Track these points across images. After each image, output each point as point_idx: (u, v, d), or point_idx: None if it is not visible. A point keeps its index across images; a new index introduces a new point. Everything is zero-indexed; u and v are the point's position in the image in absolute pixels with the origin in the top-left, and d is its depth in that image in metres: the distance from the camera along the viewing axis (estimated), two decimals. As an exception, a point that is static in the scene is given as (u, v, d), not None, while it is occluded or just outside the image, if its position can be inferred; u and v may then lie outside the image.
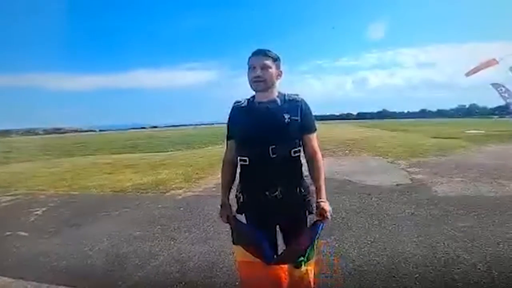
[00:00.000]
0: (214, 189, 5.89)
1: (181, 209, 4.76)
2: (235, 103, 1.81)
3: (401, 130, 24.06)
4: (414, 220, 3.81)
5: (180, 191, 5.98)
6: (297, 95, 1.78)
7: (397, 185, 5.62)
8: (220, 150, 12.46)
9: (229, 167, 1.90)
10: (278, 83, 1.76)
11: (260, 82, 1.68)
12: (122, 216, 4.59)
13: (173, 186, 6.39)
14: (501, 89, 17.98)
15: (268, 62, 1.69)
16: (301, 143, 1.74)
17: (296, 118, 1.69)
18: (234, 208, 1.87)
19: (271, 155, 1.64)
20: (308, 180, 1.78)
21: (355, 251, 3.04)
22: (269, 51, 1.71)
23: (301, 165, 1.76)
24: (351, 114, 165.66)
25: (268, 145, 1.64)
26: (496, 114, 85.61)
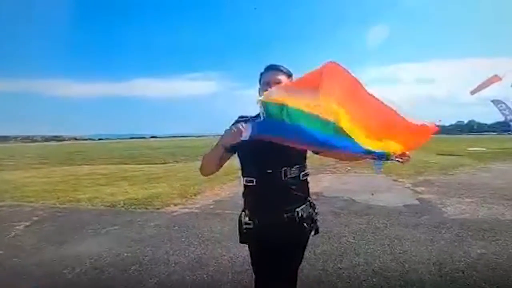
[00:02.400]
0: (212, 206, 5.58)
1: (175, 228, 4.44)
2: (240, 117, 1.62)
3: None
4: (426, 245, 3.52)
5: (176, 207, 5.65)
6: None
7: (404, 206, 5.33)
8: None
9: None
10: None
11: None
12: (111, 235, 4.26)
13: (168, 201, 6.06)
14: (501, 106, 17.80)
15: (283, 78, 1.60)
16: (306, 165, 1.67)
17: None
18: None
19: (283, 177, 1.55)
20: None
21: (368, 278, 2.80)
22: (283, 66, 1.63)
23: (308, 185, 1.72)
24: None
25: (281, 166, 1.55)
26: (495, 131, 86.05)
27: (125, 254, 3.53)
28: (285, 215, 1.57)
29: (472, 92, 19.22)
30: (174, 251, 3.59)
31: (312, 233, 1.70)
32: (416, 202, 5.61)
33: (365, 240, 3.73)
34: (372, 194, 6.23)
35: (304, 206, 1.63)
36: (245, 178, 1.62)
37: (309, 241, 1.71)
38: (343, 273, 2.91)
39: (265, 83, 1.59)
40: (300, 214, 1.60)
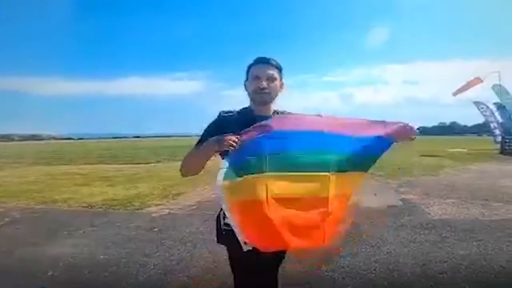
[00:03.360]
0: (194, 207, 5.44)
1: (155, 229, 4.28)
2: (222, 112, 1.57)
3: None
4: (410, 246, 3.51)
5: (156, 208, 5.48)
6: (288, 113, 1.63)
7: (389, 206, 5.34)
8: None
9: None
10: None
11: (266, 94, 1.52)
12: (87, 236, 4.06)
13: (149, 202, 5.89)
14: (482, 107, 18.44)
15: (274, 72, 1.54)
16: None
17: None
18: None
19: None
20: None
21: (352, 281, 2.74)
22: (273, 59, 1.55)
23: None
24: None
25: None
26: (475, 132, 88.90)
27: (102, 256, 3.37)
28: None
29: (454, 94, 19.79)
30: (153, 252, 3.44)
31: None
32: (400, 203, 5.63)
33: (349, 242, 3.67)
34: (375, 194, 6.21)
35: None
36: None
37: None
38: (327, 275, 2.84)
39: (255, 77, 1.52)
40: None
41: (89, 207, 5.64)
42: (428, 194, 6.24)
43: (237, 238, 1.41)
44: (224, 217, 1.48)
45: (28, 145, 45.41)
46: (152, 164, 13.78)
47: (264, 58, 1.54)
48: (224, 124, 1.49)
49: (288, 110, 1.65)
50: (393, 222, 4.41)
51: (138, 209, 5.42)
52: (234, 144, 1.34)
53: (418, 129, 1.61)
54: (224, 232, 1.49)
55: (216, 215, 1.57)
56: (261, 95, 1.52)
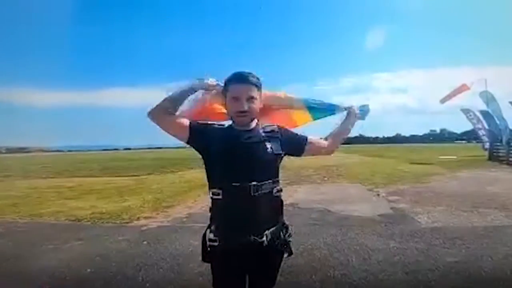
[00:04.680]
0: (184, 219, 5.38)
1: (144, 242, 4.20)
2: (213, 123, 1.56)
3: (378, 156, 24.56)
4: (400, 255, 3.50)
5: (146, 221, 5.40)
6: (273, 125, 1.58)
7: (379, 215, 5.35)
8: (193, 175, 11.92)
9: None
10: None
11: (246, 116, 1.45)
12: (73, 250, 3.97)
13: (139, 215, 5.79)
14: (470, 115, 18.73)
15: (254, 92, 1.45)
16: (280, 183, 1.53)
17: (279, 152, 1.50)
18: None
19: (252, 193, 1.38)
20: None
21: None
22: (252, 76, 1.46)
23: (282, 203, 1.56)
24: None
25: (250, 180, 1.38)
26: (464, 139, 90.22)
27: (89, 270, 3.29)
28: (252, 237, 1.40)
29: (442, 101, 20.01)
30: (142, 266, 3.36)
31: (285, 255, 1.56)
32: (390, 211, 5.65)
33: (340, 251, 3.66)
34: (378, 194, 6.22)
35: (274, 228, 1.47)
36: (211, 190, 1.45)
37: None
38: (317, 286, 2.82)
39: (234, 99, 1.43)
40: (270, 237, 1.44)
41: (77, 220, 5.53)
42: (418, 202, 6.28)
43: (220, 256, 1.41)
44: (210, 234, 1.45)
45: (16, 158, 44.49)
46: (143, 177, 13.63)
47: (243, 76, 1.44)
48: (213, 128, 1.50)
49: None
50: (384, 231, 4.42)
51: (127, 222, 5.33)
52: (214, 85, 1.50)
53: (362, 109, 1.82)
54: (209, 249, 1.46)
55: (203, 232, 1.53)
56: (242, 118, 1.44)
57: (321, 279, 2.93)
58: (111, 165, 21.84)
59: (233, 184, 1.38)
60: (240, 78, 1.44)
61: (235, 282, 1.45)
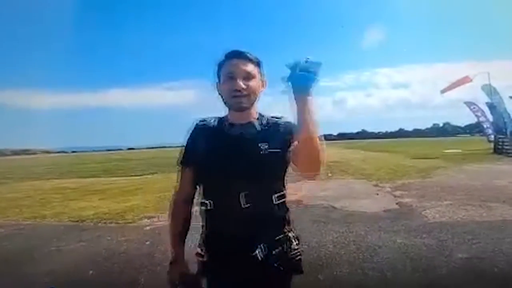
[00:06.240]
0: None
1: (147, 243, 4.15)
2: (199, 121, 1.30)
3: (381, 151, 24.39)
4: (408, 251, 3.42)
5: (149, 221, 5.35)
6: (281, 117, 1.30)
7: (385, 210, 5.27)
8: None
9: (183, 206, 1.35)
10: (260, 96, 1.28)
11: (243, 97, 1.19)
12: (76, 251, 3.94)
13: (142, 215, 5.74)
14: (474, 108, 18.61)
15: (252, 69, 1.21)
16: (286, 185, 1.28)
17: (277, 149, 1.19)
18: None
19: (242, 204, 1.16)
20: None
21: None
22: (249, 53, 1.22)
23: (288, 210, 1.28)
24: (331, 134, 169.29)
25: (238, 191, 1.17)
26: (468, 133, 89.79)
27: (91, 272, 3.25)
28: (242, 252, 1.18)
29: (443, 91, 19.86)
30: (145, 267, 3.32)
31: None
32: (396, 206, 5.57)
33: (346, 249, 3.59)
34: (377, 193, 6.16)
35: (274, 241, 1.21)
36: (201, 200, 1.27)
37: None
38: (324, 284, 2.76)
39: (229, 77, 1.19)
40: (266, 252, 1.18)
41: (80, 221, 5.50)
42: (424, 197, 6.19)
43: (209, 272, 1.27)
44: (198, 247, 1.32)
45: (21, 160, 44.81)
46: (147, 176, 13.61)
47: (237, 51, 1.22)
48: (200, 135, 1.28)
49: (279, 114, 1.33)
50: (390, 227, 4.34)
51: (130, 223, 5.29)
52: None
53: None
54: (205, 260, 1.29)
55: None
56: (238, 98, 1.19)
57: (327, 278, 2.86)
58: (114, 166, 21.93)
59: (223, 195, 1.20)
60: (232, 54, 1.22)
61: None
